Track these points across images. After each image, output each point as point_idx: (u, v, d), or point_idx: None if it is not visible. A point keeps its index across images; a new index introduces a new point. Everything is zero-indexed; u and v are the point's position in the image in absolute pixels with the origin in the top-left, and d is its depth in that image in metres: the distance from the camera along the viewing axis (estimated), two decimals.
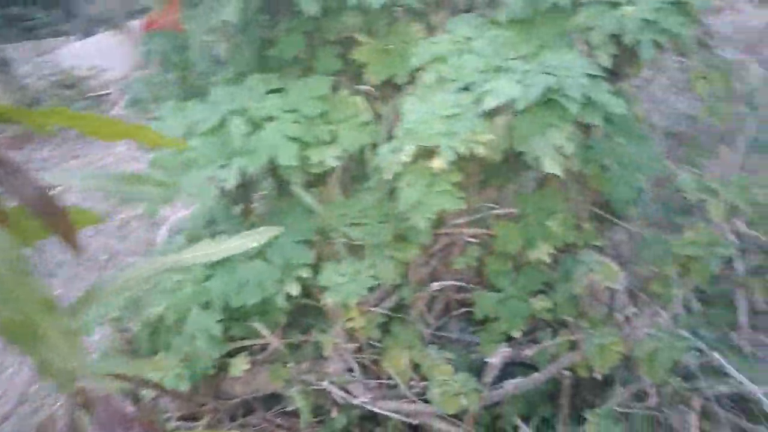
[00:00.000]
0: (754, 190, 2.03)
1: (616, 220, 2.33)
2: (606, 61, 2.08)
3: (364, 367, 2.39)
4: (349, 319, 2.36)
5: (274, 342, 2.34)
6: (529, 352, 2.23)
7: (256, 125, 2.34)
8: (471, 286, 2.45)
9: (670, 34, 1.97)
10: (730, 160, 2.31)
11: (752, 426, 2.06)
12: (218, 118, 2.38)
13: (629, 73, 2.27)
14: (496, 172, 2.33)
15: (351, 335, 2.39)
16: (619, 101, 1.94)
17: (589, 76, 1.96)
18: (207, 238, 2.25)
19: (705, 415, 2.13)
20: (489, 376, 2.08)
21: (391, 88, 2.50)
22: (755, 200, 2.02)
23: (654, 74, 2.69)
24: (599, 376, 2.05)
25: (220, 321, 2.21)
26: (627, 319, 2.03)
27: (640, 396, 2.09)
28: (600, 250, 2.20)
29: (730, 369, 1.99)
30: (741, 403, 2.22)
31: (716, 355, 1.97)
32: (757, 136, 2.43)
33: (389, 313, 2.43)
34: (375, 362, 2.41)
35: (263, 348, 2.47)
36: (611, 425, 1.88)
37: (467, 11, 2.51)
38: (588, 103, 1.91)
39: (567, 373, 2.12)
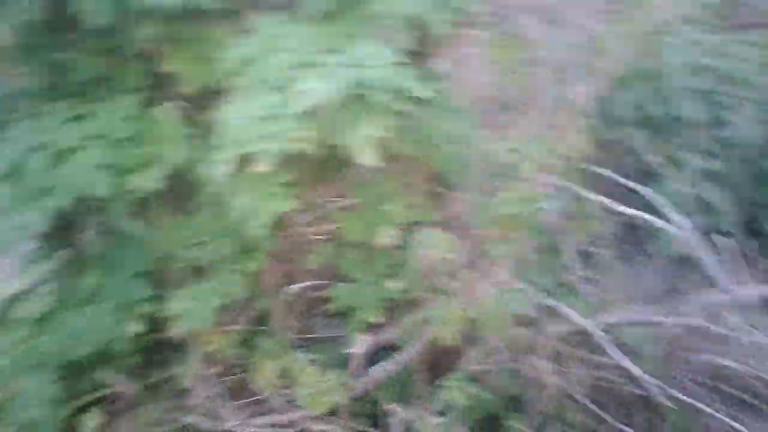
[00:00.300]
0: (558, 145, 2.23)
1: (449, 193, 2.44)
2: (409, 44, 2.14)
3: (231, 389, 2.29)
4: (207, 344, 2.25)
5: (126, 388, 2.16)
6: (390, 335, 2.27)
7: (60, 158, 2.13)
8: (327, 282, 2.44)
9: (458, 10, 2.08)
10: (537, 120, 2.54)
11: (593, 357, 2.28)
12: (15, 158, 2.13)
13: (435, 52, 2.37)
14: (328, 166, 2.33)
15: (212, 359, 2.28)
16: (425, 84, 2.00)
17: (395, 63, 2.00)
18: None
19: (555, 357, 2.33)
20: (354, 367, 2.09)
21: (207, 96, 2.39)
22: (560, 154, 2.22)
23: (465, 49, 2.85)
24: (457, 343, 2.15)
25: (57, 380, 2.00)
26: (468, 284, 2.14)
27: (495, 353, 2.22)
28: (438, 223, 2.29)
29: (565, 309, 2.17)
30: (584, 337, 2.45)
31: (551, 300, 2.14)
32: (557, 97, 2.68)
33: (249, 327, 2.35)
34: (242, 380, 2.32)
35: (119, 396, 2.27)
36: (467, 385, 1.98)
37: (274, 9, 2.46)
38: (395, 91, 1.95)
39: (424, 348, 2.20)
